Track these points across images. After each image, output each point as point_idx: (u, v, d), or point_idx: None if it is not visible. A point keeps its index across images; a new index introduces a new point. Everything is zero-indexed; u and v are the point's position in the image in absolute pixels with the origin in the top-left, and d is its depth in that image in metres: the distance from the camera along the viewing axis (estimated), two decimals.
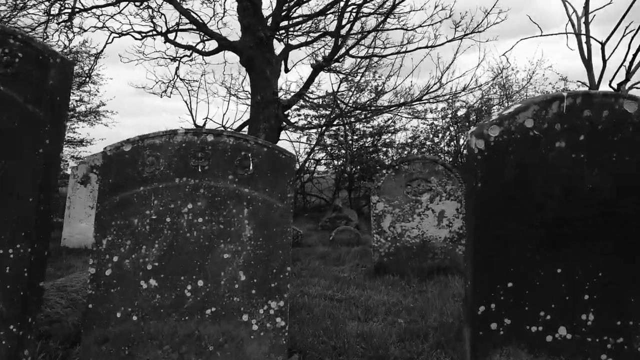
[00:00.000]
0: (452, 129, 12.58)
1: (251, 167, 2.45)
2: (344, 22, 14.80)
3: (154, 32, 15.94)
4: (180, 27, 16.04)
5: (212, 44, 16.28)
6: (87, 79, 15.04)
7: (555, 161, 1.87)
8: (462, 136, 12.73)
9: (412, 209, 5.17)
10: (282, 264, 2.40)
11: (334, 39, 15.33)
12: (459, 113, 12.90)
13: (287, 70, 17.13)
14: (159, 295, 2.34)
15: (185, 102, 16.50)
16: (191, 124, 18.23)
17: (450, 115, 12.75)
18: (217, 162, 2.46)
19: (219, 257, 2.38)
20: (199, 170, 2.45)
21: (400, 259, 5.24)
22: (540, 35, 13.40)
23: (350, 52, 14.53)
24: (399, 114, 13.74)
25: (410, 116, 13.52)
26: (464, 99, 13.17)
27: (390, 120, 13.64)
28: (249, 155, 2.46)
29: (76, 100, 16.59)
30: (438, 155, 12.74)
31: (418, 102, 13.92)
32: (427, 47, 13.69)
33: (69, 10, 14.76)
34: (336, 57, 14.44)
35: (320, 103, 14.41)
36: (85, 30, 13.67)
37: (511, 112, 1.86)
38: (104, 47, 14.55)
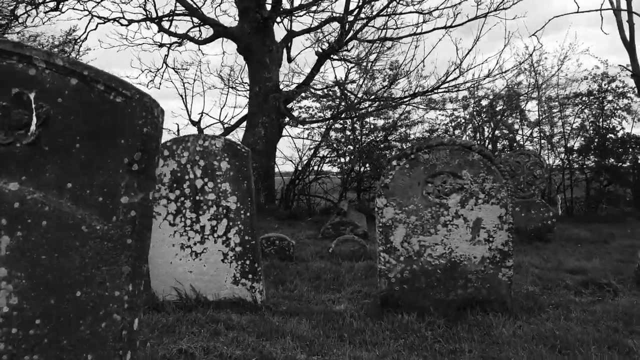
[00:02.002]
0: (475, 120, 10.92)
1: (34, 125, 0.94)
2: (352, 6, 13.26)
3: (146, 19, 14.58)
4: (175, 13, 14.67)
5: (209, 32, 14.83)
6: None
7: None
8: (488, 127, 11.07)
9: (436, 216, 3.59)
10: None
11: (340, 25, 13.82)
12: (483, 102, 11.26)
13: (290, 60, 15.61)
14: None
15: (181, 95, 14.98)
16: (186, 120, 16.75)
17: (473, 105, 11.10)
18: None
19: None
20: None
21: (418, 288, 3.67)
22: (576, 12, 11.68)
23: (359, 35, 12.95)
24: (413, 104, 12.14)
25: (426, 107, 11.90)
26: (488, 86, 11.51)
27: (404, 112, 12.03)
28: (30, 95, 0.95)
29: None
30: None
31: (435, 92, 12.30)
32: (445, 27, 12.05)
33: None
34: (344, 41, 12.89)
35: (326, 93, 12.86)
36: (62, 12, 12.27)
37: None
38: (86, 33, 13.21)
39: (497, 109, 10.76)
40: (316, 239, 8.40)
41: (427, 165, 3.56)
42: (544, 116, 11.07)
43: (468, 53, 10.90)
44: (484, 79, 11.43)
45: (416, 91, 11.78)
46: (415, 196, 3.59)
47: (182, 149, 3.86)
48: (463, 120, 11.09)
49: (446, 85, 12.12)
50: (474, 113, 10.98)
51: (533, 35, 10.55)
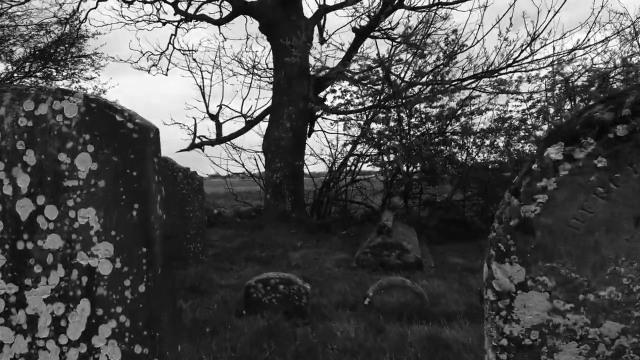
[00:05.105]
0: (565, 104, 8.18)
1: None
2: None
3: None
4: None
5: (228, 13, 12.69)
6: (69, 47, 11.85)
7: None
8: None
9: None
10: None
11: None
12: (571, 82, 8.50)
13: (323, 41, 13.20)
14: None
15: (200, 86, 12.85)
16: (202, 112, 14.75)
17: (559, 85, 8.36)
18: None
19: None
20: None
21: None
22: None
23: (405, 2, 10.45)
24: (478, 89, 9.51)
25: (495, 90, 9.25)
26: (576, 64, 8.73)
27: (467, 98, 9.43)
28: None
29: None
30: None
31: (495, 73, 9.62)
32: None
33: None
34: (387, 11, 10.43)
35: (366, 76, 10.42)
36: None
37: None
38: (85, 12, 11.37)
39: (592, 87, 8.01)
40: (349, 268, 6.01)
41: None
42: None
43: (554, 16, 8.15)
44: (572, 51, 8.69)
45: (479, 72, 9.19)
46: (624, 259, 1.14)
47: None
48: (546, 105, 8.30)
49: (517, 64, 9.46)
50: (563, 95, 8.24)
51: None
